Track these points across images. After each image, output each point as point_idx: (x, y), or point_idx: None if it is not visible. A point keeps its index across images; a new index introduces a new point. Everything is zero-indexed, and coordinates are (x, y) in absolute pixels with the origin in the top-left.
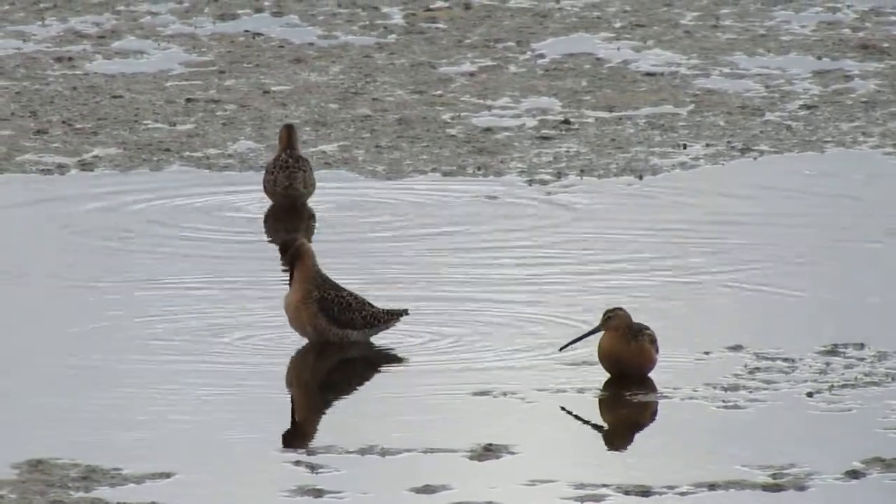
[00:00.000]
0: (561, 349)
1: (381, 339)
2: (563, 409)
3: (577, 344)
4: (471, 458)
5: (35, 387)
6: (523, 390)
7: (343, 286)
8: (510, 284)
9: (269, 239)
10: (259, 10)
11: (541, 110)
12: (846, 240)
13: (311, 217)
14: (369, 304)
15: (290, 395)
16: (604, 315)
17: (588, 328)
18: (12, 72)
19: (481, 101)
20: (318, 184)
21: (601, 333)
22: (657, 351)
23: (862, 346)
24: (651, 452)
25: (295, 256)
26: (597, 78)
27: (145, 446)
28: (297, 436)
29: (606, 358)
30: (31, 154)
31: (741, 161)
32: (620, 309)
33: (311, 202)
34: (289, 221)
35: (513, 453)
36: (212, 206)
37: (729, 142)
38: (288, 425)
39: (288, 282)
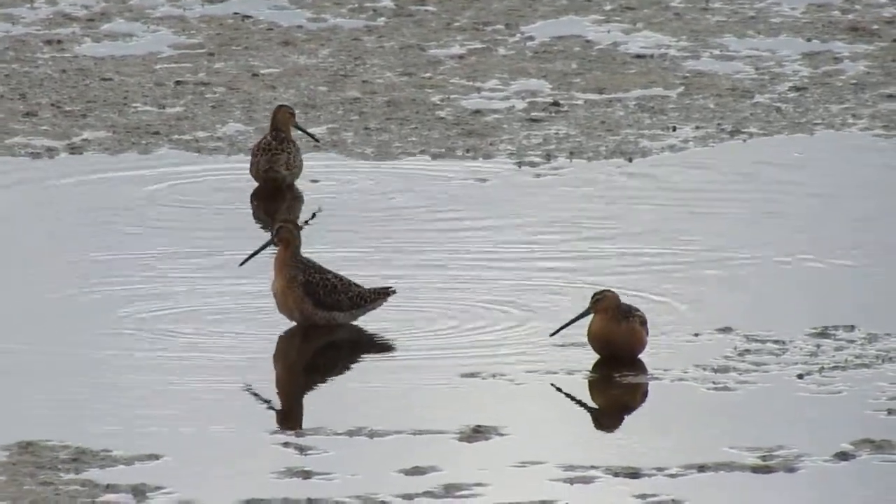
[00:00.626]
0: (552, 334)
1: (368, 321)
2: (552, 390)
3: (568, 327)
4: (460, 439)
5: (24, 370)
6: (512, 372)
7: (327, 268)
8: (499, 267)
9: (255, 221)
10: None
11: (530, 92)
12: (836, 221)
13: (295, 199)
14: (355, 284)
15: (278, 378)
16: (592, 297)
17: (578, 311)
18: (1, 54)
19: (470, 84)
20: (306, 164)
21: (591, 316)
22: (647, 332)
23: (852, 328)
24: (640, 434)
25: (280, 240)
26: (586, 60)
27: (134, 429)
28: (285, 418)
29: (597, 340)
30: (20, 137)
31: (731, 143)
32: (609, 291)
33: (299, 183)
34: (272, 203)
35: (502, 435)
36: (196, 189)
37: (719, 124)
38: (277, 407)
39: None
